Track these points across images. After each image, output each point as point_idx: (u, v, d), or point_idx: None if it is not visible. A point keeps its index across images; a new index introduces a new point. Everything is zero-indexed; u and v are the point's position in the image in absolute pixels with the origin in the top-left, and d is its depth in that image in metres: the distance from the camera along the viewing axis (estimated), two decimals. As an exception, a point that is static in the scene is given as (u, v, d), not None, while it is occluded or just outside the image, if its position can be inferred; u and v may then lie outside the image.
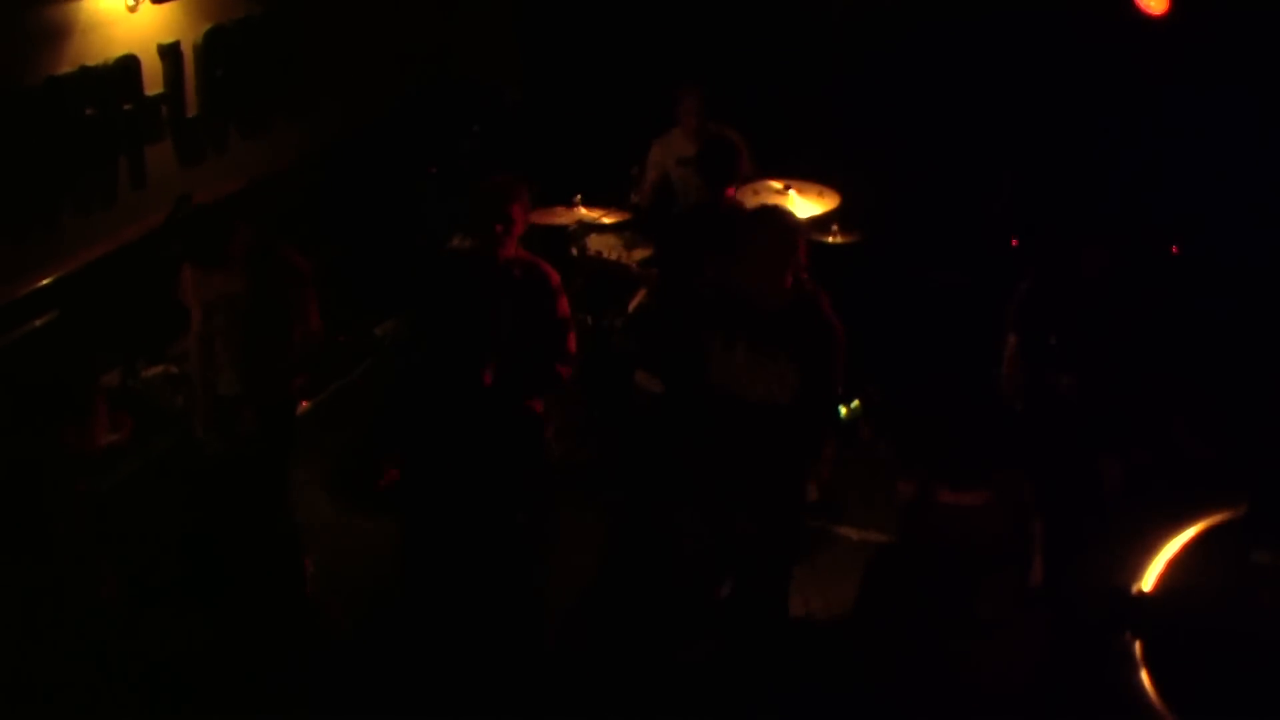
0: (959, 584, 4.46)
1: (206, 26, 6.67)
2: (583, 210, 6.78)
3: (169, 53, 6.44)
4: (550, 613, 5.11)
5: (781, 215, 4.75)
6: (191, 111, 6.68)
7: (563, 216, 6.81)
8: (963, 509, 4.46)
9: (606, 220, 6.89)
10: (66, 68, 5.88)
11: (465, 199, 8.03)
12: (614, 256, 6.99)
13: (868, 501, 5.99)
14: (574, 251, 6.75)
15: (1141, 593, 4.50)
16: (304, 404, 6.44)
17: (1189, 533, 4.61)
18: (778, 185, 6.74)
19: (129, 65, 6.19)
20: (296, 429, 5.60)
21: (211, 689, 3.52)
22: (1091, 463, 5.37)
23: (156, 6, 6.22)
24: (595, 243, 7.00)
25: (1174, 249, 5.76)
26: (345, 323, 6.97)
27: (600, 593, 5.69)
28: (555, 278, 5.16)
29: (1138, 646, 4.43)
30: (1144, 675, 4.37)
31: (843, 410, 4.75)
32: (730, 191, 6.11)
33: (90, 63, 5.98)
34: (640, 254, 7.00)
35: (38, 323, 5.93)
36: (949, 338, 6.96)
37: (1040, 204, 7.20)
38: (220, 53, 6.75)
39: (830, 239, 6.78)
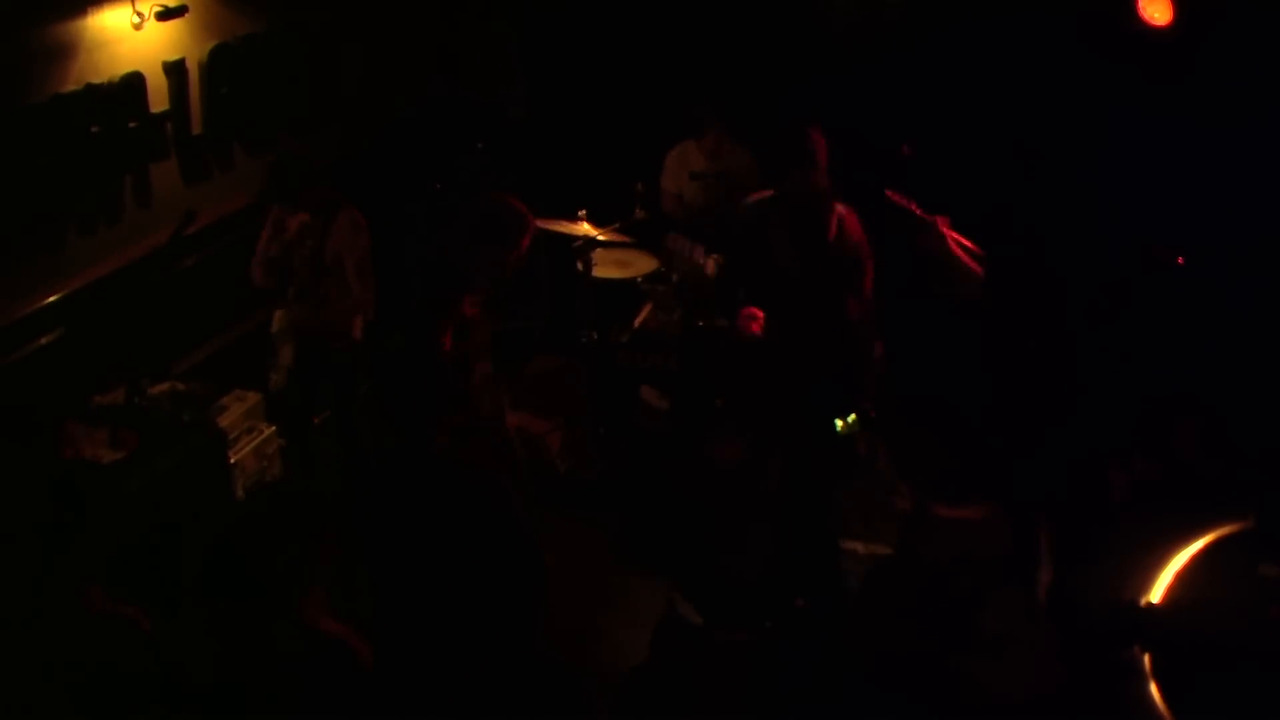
0: (963, 598, 4.42)
1: (211, 44, 6.70)
2: (587, 226, 6.78)
3: (174, 70, 6.47)
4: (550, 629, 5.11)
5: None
6: (196, 129, 6.71)
7: (567, 232, 6.81)
8: (964, 523, 4.42)
9: (610, 236, 6.90)
10: (72, 85, 5.91)
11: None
12: (617, 273, 7.01)
13: (874, 514, 5.99)
14: (579, 267, 6.75)
15: (1150, 605, 4.47)
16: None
17: (1197, 545, 4.58)
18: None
19: (134, 83, 6.21)
20: (358, 362, 6.30)
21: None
22: (1100, 473, 5.34)
23: (162, 24, 6.25)
24: (601, 258, 7.00)
25: (1179, 260, 5.74)
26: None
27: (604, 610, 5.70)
28: None
29: (1146, 659, 4.40)
30: (1153, 688, 4.35)
31: (839, 425, 4.72)
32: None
33: (96, 80, 6.00)
34: (644, 268, 7.01)
35: (43, 341, 5.95)
36: (949, 352, 6.94)
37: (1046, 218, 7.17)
38: (225, 70, 6.78)
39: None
